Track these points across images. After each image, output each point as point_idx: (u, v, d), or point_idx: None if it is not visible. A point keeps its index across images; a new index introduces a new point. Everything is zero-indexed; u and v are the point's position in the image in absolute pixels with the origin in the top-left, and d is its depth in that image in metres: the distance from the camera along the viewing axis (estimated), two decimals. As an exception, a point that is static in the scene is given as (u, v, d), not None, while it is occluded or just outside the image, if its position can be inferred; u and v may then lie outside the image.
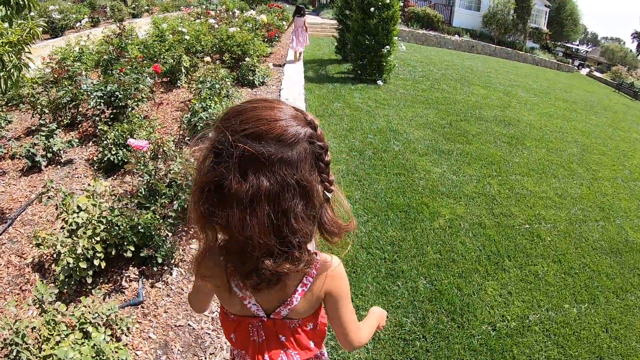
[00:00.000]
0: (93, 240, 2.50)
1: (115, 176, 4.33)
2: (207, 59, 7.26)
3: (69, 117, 5.58)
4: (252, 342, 1.13)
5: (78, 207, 2.59)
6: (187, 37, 8.29)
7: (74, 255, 2.37)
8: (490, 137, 7.40)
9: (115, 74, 5.70)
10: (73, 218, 2.51)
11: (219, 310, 2.71)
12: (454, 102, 9.26)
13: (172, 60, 7.12)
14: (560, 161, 6.99)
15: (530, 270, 3.98)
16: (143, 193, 3.17)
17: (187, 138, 4.83)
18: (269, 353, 1.12)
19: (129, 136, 4.37)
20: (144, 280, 2.86)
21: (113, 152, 4.30)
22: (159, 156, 3.51)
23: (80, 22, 13.12)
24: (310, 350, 1.18)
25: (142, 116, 5.34)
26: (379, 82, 9.57)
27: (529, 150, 7.17)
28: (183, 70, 7.18)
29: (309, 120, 0.89)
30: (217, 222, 0.87)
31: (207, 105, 4.87)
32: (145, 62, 6.54)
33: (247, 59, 7.81)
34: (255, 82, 7.60)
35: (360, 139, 6.32)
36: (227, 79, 6.18)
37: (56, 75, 5.96)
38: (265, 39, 10.58)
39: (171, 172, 3.32)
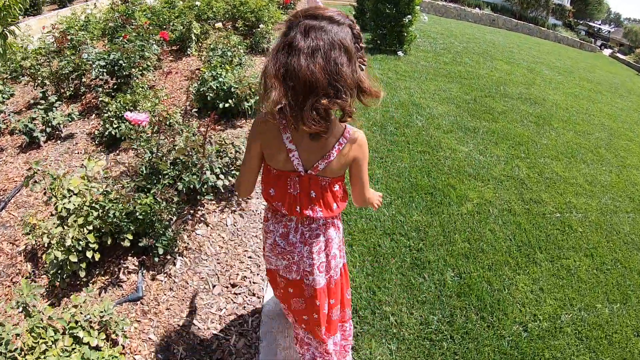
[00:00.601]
0: (85, 229, 2.20)
1: (117, 152, 4.03)
2: (219, 25, 6.85)
3: (71, 89, 5.26)
4: (289, 194, 1.46)
5: (69, 190, 2.29)
6: (198, 3, 7.86)
7: (62, 248, 2.09)
8: (517, 115, 6.95)
9: (120, 41, 5.35)
10: (63, 204, 2.21)
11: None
12: (477, 76, 8.77)
13: (181, 27, 6.71)
14: (589, 145, 6.55)
15: (562, 265, 3.66)
16: (144, 172, 2.86)
17: (194, 110, 4.48)
18: (300, 205, 1.47)
19: (132, 108, 4.06)
20: (143, 272, 2.56)
21: (115, 126, 3.98)
22: (162, 131, 3.17)
23: (87, -10, 12.67)
24: (332, 211, 1.51)
25: (148, 86, 4.99)
26: (399, 53, 9.08)
27: (557, 131, 6.74)
28: (193, 38, 6.77)
29: (350, 18, 1.29)
30: (286, 76, 1.21)
31: (217, 73, 4.49)
32: (151, 28, 6.14)
33: (261, 25, 7.37)
34: (270, 49, 7.18)
35: (381, 112, 5.93)
36: (239, 47, 5.80)
37: (59, 45, 5.61)
38: (281, 6, 10.09)
39: (176, 147, 2.99)
